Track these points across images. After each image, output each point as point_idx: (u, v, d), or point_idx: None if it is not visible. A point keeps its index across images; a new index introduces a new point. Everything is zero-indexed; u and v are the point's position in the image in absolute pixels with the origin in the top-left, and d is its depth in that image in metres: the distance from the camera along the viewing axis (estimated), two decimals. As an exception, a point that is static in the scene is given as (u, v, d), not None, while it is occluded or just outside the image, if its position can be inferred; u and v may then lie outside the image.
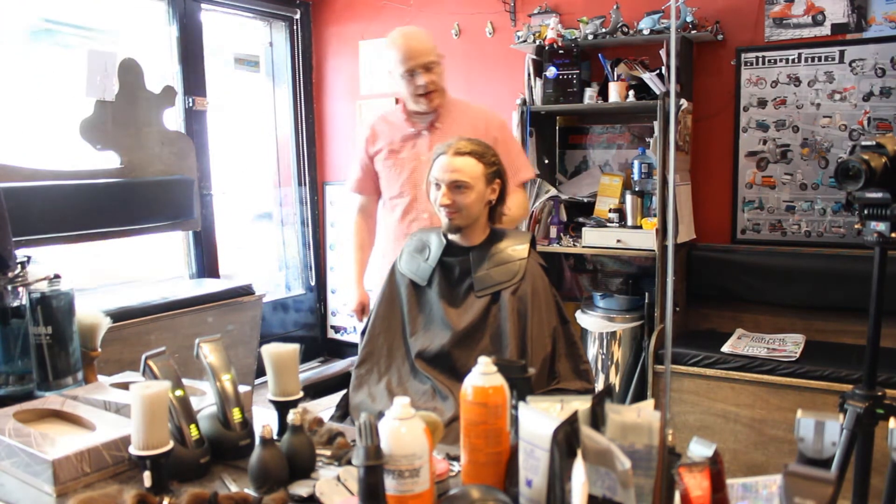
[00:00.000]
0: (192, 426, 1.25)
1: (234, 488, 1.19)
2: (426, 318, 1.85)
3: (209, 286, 3.55)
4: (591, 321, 3.38)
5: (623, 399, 3.24)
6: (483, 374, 1.08)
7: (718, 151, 3.43)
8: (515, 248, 1.84)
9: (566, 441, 0.89)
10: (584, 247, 3.37)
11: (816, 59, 3.17)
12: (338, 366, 2.17)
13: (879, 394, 1.88)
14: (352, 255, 2.52)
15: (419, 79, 2.20)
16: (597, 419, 0.94)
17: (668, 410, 2.99)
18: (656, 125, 3.16)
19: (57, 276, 1.57)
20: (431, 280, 1.85)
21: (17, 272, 1.58)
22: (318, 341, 4.73)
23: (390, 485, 0.98)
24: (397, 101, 2.41)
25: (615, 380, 3.35)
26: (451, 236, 1.86)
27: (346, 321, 4.69)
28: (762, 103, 3.31)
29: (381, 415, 1.04)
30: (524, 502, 0.99)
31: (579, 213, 3.55)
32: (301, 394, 1.37)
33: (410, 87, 2.22)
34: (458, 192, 1.78)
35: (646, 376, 3.14)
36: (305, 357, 4.58)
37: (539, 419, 0.95)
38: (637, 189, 3.37)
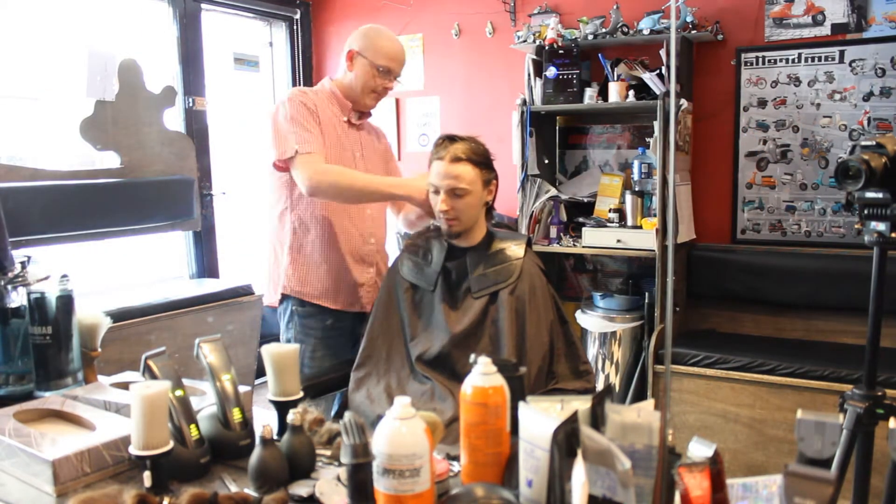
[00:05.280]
0: (192, 426, 1.25)
1: (234, 488, 1.19)
2: (426, 322, 1.86)
3: (209, 286, 3.55)
4: (591, 321, 3.38)
5: (623, 399, 3.24)
6: (483, 374, 1.08)
7: (718, 151, 3.44)
8: (512, 249, 1.85)
9: (566, 441, 0.89)
10: (584, 247, 3.37)
11: (816, 59, 3.17)
12: (338, 366, 2.17)
13: (879, 394, 1.87)
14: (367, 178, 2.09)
15: (387, 82, 2.15)
16: (597, 419, 0.94)
17: (668, 410, 2.98)
18: (656, 125, 3.15)
19: (65, 276, 1.57)
20: (436, 284, 1.86)
21: (17, 272, 1.58)
22: (318, 341, 4.72)
23: (390, 484, 0.98)
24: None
25: (615, 380, 3.35)
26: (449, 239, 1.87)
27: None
28: (762, 103, 3.30)
29: (378, 418, 1.04)
30: (524, 502, 0.99)
31: (579, 213, 3.54)
32: (301, 394, 1.37)
33: (377, 81, 2.13)
34: (456, 198, 1.78)
35: (646, 376, 3.14)
36: (305, 357, 4.55)
37: (539, 419, 0.95)
38: (637, 189, 3.37)
